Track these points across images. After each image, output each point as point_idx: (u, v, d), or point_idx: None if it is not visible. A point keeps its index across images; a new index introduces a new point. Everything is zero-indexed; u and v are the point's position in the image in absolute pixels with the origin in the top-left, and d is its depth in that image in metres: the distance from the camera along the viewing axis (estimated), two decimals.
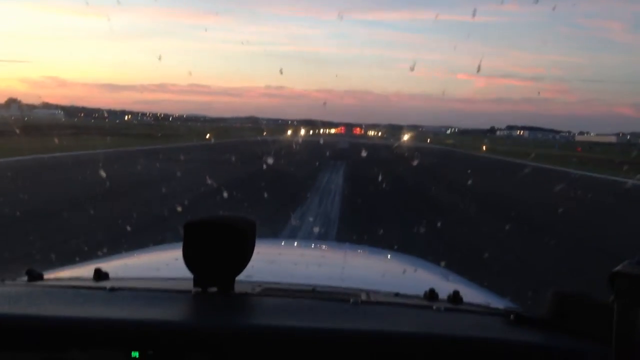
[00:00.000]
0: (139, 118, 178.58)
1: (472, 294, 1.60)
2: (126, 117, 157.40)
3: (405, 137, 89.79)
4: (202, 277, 1.23)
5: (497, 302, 1.61)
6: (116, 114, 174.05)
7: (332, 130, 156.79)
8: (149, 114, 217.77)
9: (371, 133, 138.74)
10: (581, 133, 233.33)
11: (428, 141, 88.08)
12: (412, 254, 2.91)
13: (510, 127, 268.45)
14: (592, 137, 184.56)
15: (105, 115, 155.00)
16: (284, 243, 4.08)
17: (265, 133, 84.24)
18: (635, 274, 0.89)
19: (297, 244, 4.16)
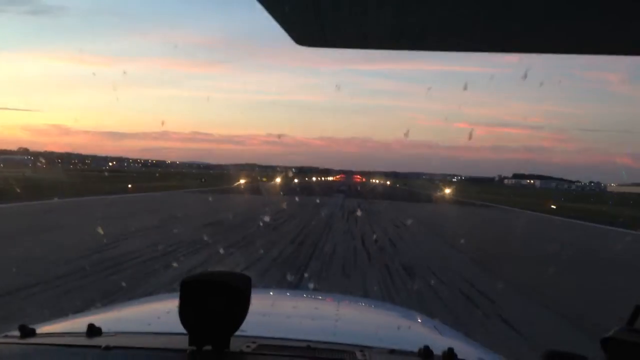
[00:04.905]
0: (126, 165, 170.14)
1: (466, 351, 1.56)
2: (110, 164, 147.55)
3: (447, 190, 56.35)
4: (198, 336, 1.16)
5: (490, 358, 1.60)
6: (105, 160, 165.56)
7: (330, 178, 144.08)
8: (140, 160, 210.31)
9: (375, 181, 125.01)
10: (591, 182, 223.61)
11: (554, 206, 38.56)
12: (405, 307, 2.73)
13: (517, 176, 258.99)
14: (615, 187, 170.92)
15: (88, 161, 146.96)
16: (274, 293, 3.43)
17: (204, 180, 56.42)
18: (627, 340, 0.94)
19: (289, 294, 3.59)
